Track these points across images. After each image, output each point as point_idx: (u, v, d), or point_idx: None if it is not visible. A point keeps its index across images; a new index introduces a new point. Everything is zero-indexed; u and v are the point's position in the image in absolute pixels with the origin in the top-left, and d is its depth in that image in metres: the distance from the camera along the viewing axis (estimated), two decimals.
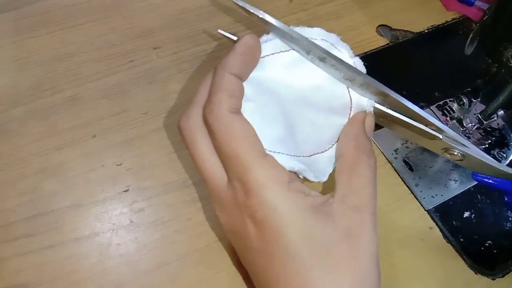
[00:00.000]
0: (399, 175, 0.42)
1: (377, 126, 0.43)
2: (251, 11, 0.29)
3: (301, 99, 0.30)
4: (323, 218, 0.26)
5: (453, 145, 0.31)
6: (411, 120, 0.30)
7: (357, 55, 0.47)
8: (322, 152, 0.30)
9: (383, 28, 0.51)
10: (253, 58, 0.29)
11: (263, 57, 0.30)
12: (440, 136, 0.30)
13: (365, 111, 0.31)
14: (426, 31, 0.52)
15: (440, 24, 0.53)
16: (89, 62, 0.46)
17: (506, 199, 0.36)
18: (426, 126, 0.30)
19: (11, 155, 0.40)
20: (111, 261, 0.36)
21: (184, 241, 0.37)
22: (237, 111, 0.26)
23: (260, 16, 0.28)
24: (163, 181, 0.40)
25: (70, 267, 0.36)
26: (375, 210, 0.28)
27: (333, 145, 0.31)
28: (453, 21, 0.53)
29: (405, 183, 0.41)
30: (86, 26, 0.49)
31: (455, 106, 0.44)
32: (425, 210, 0.40)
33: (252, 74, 0.29)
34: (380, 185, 0.40)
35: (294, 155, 0.28)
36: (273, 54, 0.30)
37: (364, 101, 0.31)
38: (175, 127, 0.42)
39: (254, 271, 0.28)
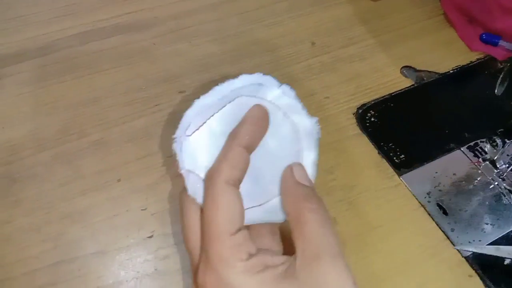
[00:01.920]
0: (433, 219, 0.40)
1: (407, 167, 0.42)
2: None
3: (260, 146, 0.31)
4: (286, 283, 0.25)
5: None
6: None
7: (383, 96, 0.47)
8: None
9: (407, 69, 0.51)
10: (262, 128, 0.29)
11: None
12: None
13: (290, 167, 0.30)
14: (451, 71, 0.51)
15: (465, 65, 0.52)
16: (115, 106, 0.46)
17: None
18: None
19: (36, 200, 0.40)
20: None
21: None
22: (234, 183, 0.27)
23: None
24: None
25: None
26: (337, 250, 0.26)
27: None
28: (478, 61, 0.53)
29: (440, 228, 0.39)
30: (112, 71, 0.49)
31: (487, 147, 0.43)
32: (463, 257, 0.38)
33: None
34: (414, 230, 0.39)
35: (263, 203, 0.29)
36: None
37: (308, 123, 0.31)
38: None
39: None
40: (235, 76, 0.49)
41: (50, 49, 0.51)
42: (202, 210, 0.28)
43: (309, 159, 0.31)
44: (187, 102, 0.47)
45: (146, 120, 0.45)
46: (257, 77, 0.31)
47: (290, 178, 0.29)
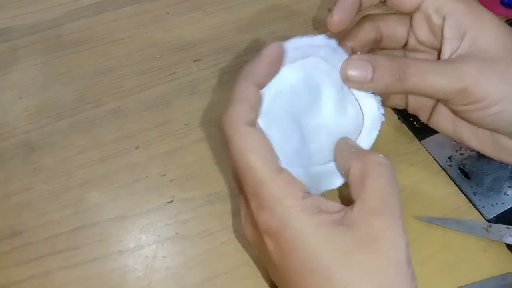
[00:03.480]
0: (455, 183, 0.39)
1: (428, 132, 0.41)
2: None
3: (316, 109, 0.30)
4: (340, 229, 0.24)
5: None
6: None
7: None
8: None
9: None
10: (276, 67, 0.28)
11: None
12: None
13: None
14: None
15: None
16: (131, 75, 0.46)
17: None
18: None
19: (55, 168, 0.40)
20: (157, 274, 0.35)
21: (231, 253, 0.36)
22: (254, 124, 0.26)
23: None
24: (207, 192, 0.39)
25: (115, 281, 0.35)
26: (399, 211, 0.25)
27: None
28: None
29: (462, 192, 0.39)
30: (127, 41, 0.49)
31: None
32: (485, 219, 0.37)
33: (269, 85, 0.28)
34: (436, 194, 0.39)
35: (308, 165, 0.29)
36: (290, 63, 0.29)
37: (373, 103, 0.31)
38: (218, 138, 0.42)
39: (280, 286, 0.27)
40: (250, 43, 0.48)
41: (65, 19, 0.50)
42: (229, 154, 0.26)
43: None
44: (202, 71, 0.47)
45: (162, 88, 0.45)
46: (333, 42, 0.30)
47: (348, 143, 0.29)
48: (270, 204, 0.24)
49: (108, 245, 0.36)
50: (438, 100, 0.33)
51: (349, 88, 0.31)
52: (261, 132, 0.26)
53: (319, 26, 0.50)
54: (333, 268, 0.23)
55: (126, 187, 0.39)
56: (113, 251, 0.36)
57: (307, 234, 0.24)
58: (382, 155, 0.26)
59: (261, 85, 0.27)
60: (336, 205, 0.26)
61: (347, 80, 0.29)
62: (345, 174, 0.28)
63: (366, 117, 0.31)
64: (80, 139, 0.42)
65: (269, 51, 0.27)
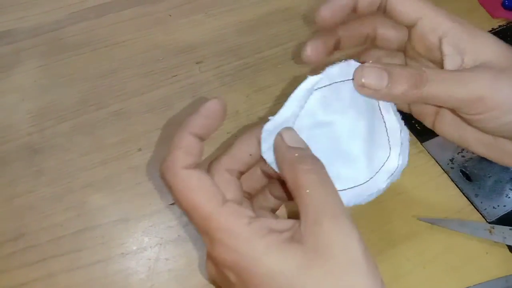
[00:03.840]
0: (457, 185, 0.39)
1: (430, 134, 0.41)
2: None
3: (347, 131, 0.30)
4: (292, 246, 0.24)
5: None
6: None
7: None
8: (376, 174, 0.30)
9: None
10: (215, 121, 0.28)
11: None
12: None
13: (280, 133, 0.29)
14: None
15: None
16: (133, 77, 0.46)
17: None
18: None
19: (58, 170, 0.40)
20: (160, 276, 0.35)
21: None
22: (192, 167, 0.26)
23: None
24: None
25: (117, 283, 0.35)
26: (339, 211, 0.24)
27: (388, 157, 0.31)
28: (500, 28, 0.52)
29: (464, 194, 0.39)
30: (129, 43, 0.49)
31: None
32: (487, 222, 0.37)
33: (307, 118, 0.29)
34: (438, 196, 0.39)
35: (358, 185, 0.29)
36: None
37: (393, 117, 0.31)
38: (220, 140, 0.42)
39: None
40: (252, 46, 0.48)
41: (67, 22, 0.50)
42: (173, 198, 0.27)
43: (392, 164, 0.31)
44: (204, 73, 0.47)
45: (164, 90, 0.45)
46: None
47: (282, 144, 0.28)
48: (220, 237, 0.25)
49: (111, 247, 0.36)
50: (440, 107, 0.33)
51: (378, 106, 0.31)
52: (200, 172, 0.26)
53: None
54: (293, 286, 0.23)
55: (128, 190, 0.39)
56: (116, 254, 0.36)
57: (259, 257, 0.24)
58: (310, 161, 0.26)
59: (200, 136, 0.27)
60: (287, 222, 0.26)
61: (362, 88, 0.29)
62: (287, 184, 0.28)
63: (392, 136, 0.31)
64: (82, 142, 0.42)
65: (208, 106, 0.27)
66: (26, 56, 0.48)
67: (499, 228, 0.36)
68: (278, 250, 0.24)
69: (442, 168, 0.40)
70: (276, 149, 0.28)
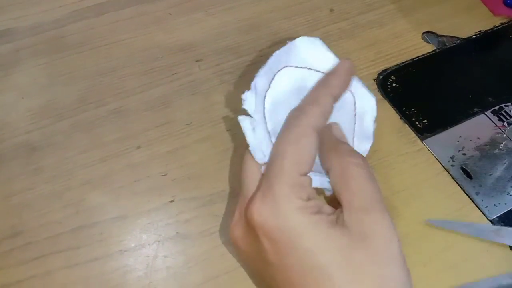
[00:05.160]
0: (457, 183, 0.39)
1: (430, 131, 0.41)
2: None
3: None
4: (337, 228, 0.25)
5: None
6: None
7: (404, 62, 0.46)
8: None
9: (429, 35, 0.50)
10: (348, 82, 0.30)
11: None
12: None
13: (329, 125, 0.30)
14: (474, 36, 0.50)
15: (488, 29, 0.51)
16: (133, 75, 0.46)
17: None
18: None
19: (57, 168, 0.40)
20: (158, 274, 0.35)
21: (233, 253, 0.35)
22: (318, 130, 0.27)
23: None
24: (209, 192, 0.38)
25: (115, 280, 0.35)
26: (384, 207, 0.26)
27: None
28: (502, 25, 0.51)
29: (464, 192, 0.39)
30: (129, 41, 0.49)
31: None
32: (488, 219, 0.37)
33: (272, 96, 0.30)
34: (439, 194, 0.38)
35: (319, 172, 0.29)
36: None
37: (365, 92, 0.32)
38: (219, 137, 0.41)
39: (275, 286, 0.27)
40: (251, 44, 0.48)
41: (67, 21, 0.50)
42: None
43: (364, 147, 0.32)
44: (203, 71, 0.47)
45: (163, 88, 0.45)
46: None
47: (331, 135, 0.29)
48: (277, 194, 0.25)
49: (109, 244, 0.36)
50: None
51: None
52: (316, 141, 0.27)
53: (320, 27, 0.50)
54: (333, 265, 0.23)
55: (127, 187, 0.39)
56: (114, 251, 0.36)
57: (307, 232, 0.24)
58: (359, 156, 0.27)
59: (336, 99, 0.29)
60: (330, 208, 0.27)
61: None
62: (326, 171, 0.28)
63: (367, 116, 0.32)
64: (81, 139, 0.41)
65: (343, 65, 0.30)
66: (26, 55, 0.48)
67: (504, 230, 0.36)
68: (326, 229, 0.24)
69: (443, 166, 0.40)
70: (325, 140, 0.29)
